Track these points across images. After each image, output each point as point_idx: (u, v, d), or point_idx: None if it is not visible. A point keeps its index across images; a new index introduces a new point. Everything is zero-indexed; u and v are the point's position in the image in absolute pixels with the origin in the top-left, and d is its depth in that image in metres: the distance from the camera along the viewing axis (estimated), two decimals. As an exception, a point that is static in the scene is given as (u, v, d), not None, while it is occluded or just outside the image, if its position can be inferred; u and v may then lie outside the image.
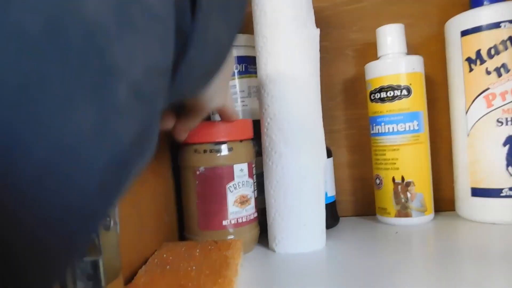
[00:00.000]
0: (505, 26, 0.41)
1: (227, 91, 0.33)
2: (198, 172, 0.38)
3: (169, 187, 0.41)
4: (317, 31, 0.38)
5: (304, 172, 0.38)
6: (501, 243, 0.37)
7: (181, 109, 0.32)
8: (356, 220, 0.51)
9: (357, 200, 0.53)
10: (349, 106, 0.53)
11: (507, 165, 0.42)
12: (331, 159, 0.48)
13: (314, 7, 0.39)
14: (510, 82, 0.41)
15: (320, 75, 0.39)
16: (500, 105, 0.42)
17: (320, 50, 0.39)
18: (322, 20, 0.51)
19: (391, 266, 0.33)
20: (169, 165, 0.42)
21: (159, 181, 0.39)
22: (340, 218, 0.51)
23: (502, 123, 0.42)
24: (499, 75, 0.41)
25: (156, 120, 0.16)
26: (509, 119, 0.41)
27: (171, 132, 0.33)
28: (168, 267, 0.30)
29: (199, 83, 0.23)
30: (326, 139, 0.39)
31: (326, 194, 0.46)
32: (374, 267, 0.33)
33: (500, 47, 0.41)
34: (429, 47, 0.50)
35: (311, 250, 0.39)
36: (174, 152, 0.42)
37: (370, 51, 0.50)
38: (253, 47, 0.46)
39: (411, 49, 0.48)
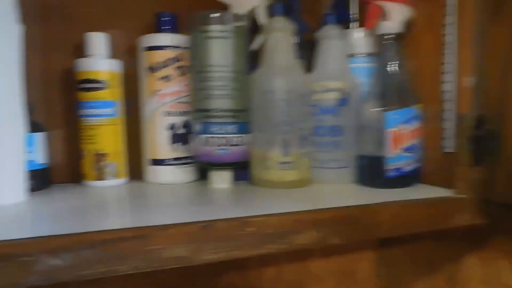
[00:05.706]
0: (169, 49, 0.60)
1: None
2: None
3: None
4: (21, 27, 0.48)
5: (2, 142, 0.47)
6: (171, 196, 0.54)
7: None
8: (67, 185, 0.62)
9: (71, 170, 0.65)
10: (67, 93, 0.64)
11: (171, 143, 0.62)
12: (44, 133, 0.58)
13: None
14: (172, 88, 0.61)
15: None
16: (167, 102, 0.61)
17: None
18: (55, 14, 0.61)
19: (88, 209, 0.46)
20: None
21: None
22: (56, 184, 0.62)
23: (169, 114, 0.61)
24: (167, 81, 0.61)
25: None
26: (171, 112, 0.61)
27: None
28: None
29: None
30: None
31: (34, 161, 0.56)
32: (68, 210, 0.45)
33: (168, 62, 0.60)
34: (131, 53, 0.66)
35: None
36: None
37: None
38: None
39: (119, 54, 0.64)
